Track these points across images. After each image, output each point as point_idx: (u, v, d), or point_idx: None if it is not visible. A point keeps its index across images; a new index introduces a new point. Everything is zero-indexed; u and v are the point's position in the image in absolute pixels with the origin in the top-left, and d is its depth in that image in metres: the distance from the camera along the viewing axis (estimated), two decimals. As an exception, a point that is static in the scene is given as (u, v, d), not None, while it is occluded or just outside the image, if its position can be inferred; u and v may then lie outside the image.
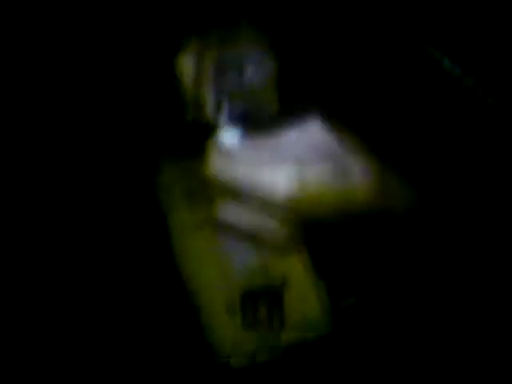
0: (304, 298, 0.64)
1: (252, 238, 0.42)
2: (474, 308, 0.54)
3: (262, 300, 0.64)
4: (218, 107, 0.48)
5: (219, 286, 0.66)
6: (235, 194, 0.39)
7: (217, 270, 0.67)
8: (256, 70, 0.52)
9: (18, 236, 0.72)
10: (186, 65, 0.50)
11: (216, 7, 0.71)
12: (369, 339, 0.61)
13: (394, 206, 0.42)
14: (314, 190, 0.38)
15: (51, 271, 0.70)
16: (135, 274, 0.68)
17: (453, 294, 0.55)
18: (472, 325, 0.54)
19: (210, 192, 0.44)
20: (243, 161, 0.39)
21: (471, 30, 0.50)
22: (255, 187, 0.38)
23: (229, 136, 0.41)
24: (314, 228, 0.40)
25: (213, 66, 0.49)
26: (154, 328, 0.66)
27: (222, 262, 0.67)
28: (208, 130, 0.47)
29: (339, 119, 0.42)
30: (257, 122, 0.54)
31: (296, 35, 0.59)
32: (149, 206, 0.71)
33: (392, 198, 0.42)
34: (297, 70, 0.56)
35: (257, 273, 0.66)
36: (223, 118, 0.48)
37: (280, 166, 0.38)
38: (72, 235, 0.70)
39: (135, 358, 0.65)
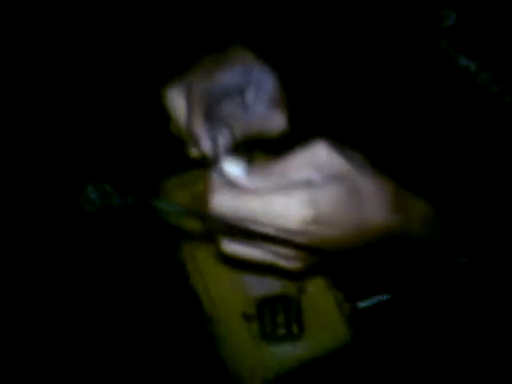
0: (322, 307, 0.62)
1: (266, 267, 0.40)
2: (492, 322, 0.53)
3: (279, 308, 0.63)
4: (215, 138, 0.45)
5: (234, 295, 0.65)
6: (244, 229, 0.36)
7: (231, 280, 0.66)
8: (257, 91, 0.48)
9: (23, 243, 0.72)
10: (175, 98, 0.46)
11: (205, 32, 0.68)
12: (389, 349, 0.59)
13: (410, 223, 0.40)
14: (328, 213, 0.36)
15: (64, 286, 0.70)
16: (149, 289, 0.68)
17: (469, 313, 0.53)
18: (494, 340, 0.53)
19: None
20: (251, 191, 0.37)
21: (488, 23, 0.46)
22: (267, 217, 0.35)
23: (232, 166, 0.38)
24: (331, 251, 0.38)
25: (204, 95, 0.46)
26: (171, 342, 0.66)
27: (236, 272, 0.66)
28: (208, 164, 0.44)
29: (347, 137, 0.39)
30: (262, 147, 0.52)
31: (297, 51, 0.56)
32: (157, 223, 0.70)
33: (407, 215, 0.39)
34: (300, 88, 0.52)
35: (272, 281, 0.65)
36: (224, 148, 0.45)
37: (291, 191, 0.35)
38: (80, 259, 0.70)
39: (150, 372, 0.65)
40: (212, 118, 0.46)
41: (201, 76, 0.46)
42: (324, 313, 0.62)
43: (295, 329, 0.62)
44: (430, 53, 0.51)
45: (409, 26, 0.52)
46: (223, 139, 0.45)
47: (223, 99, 0.47)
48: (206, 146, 0.45)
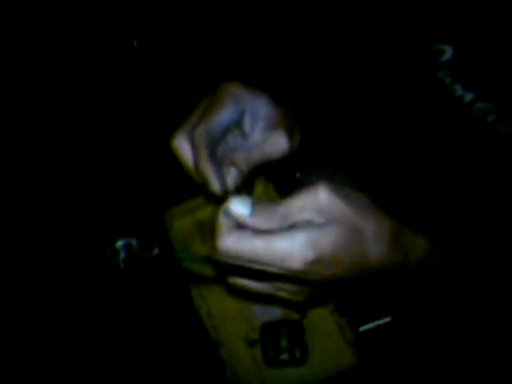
0: (324, 331, 0.63)
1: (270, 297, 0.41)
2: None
3: (281, 333, 0.63)
4: (223, 177, 0.47)
5: (237, 320, 0.66)
6: (249, 269, 0.38)
7: (234, 304, 0.67)
8: (253, 119, 0.50)
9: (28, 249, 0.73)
10: (181, 146, 0.48)
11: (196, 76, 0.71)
12: (391, 371, 0.60)
13: (408, 258, 0.41)
14: (328, 253, 0.37)
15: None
16: (154, 313, 0.68)
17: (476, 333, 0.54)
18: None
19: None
20: (255, 234, 0.39)
21: (484, 55, 0.48)
22: (270, 259, 0.37)
23: (239, 207, 0.40)
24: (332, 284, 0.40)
25: (205, 138, 0.47)
26: (174, 364, 0.66)
27: (239, 298, 0.67)
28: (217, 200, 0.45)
29: (348, 179, 0.40)
30: (267, 175, 0.53)
31: (290, 71, 0.57)
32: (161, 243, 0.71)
33: (406, 251, 0.41)
34: (298, 106, 0.54)
35: (275, 306, 0.66)
36: (232, 185, 0.46)
37: (292, 234, 0.37)
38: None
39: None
40: (216, 157, 0.48)
41: (198, 120, 0.48)
42: (326, 337, 0.63)
43: (298, 353, 0.62)
44: (427, 84, 0.52)
45: (407, 59, 0.54)
46: (231, 177, 0.47)
47: (223, 136, 0.49)
48: (214, 186, 0.46)
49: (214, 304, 0.66)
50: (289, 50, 0.62)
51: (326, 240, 0.37)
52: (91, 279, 0.68)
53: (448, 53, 0.50)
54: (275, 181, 0.73)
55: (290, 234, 0.37)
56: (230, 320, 0.66)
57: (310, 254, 0.37)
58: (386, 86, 0.57)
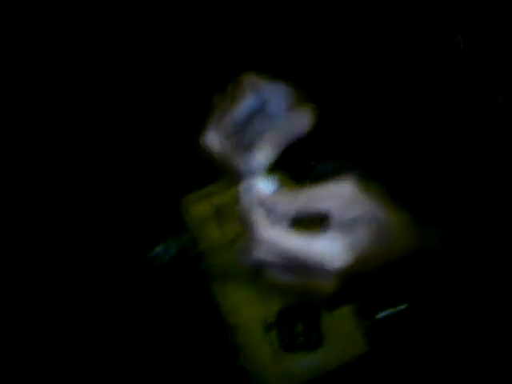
0: (341, 317, 0.64)
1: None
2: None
3: (298, 318, 0.64)
4: (251, 166, 0.47)
5: (255, 304, 0.67)
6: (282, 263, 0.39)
7: (251, 288, 0.67)
8: (276, 105, 0.51)
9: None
10: (209, 141, 0.49)
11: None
12: (407, 359, 0.61)
13: (430, 246, 0.42)
14: (364, 254, 0.40)
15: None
16: (168, 297, 0.70)
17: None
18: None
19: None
20: (293, 231, 0.40)
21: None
22: (306, 257, 0.38)
23: (264, 183, 0.41)
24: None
25: (230, 128, 0.48)
26: (190, 348, 0.67)
27: (256, 279, 0.68)
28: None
29: (363, 169, 0.41)
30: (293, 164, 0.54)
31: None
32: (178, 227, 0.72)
33: (422, 240, 0.41)
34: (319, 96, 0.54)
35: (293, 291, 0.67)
36: (261, 168, 0.47)
37: (332, 236, 0.39)
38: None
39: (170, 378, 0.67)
40: (245, 143, 0.49)
41: (222, 114, 0.49)
42: (342, 323, 0.63)
43: (314, 338, 0.63)
44: (446, 71, 0.52)
45: (427, 45, 0.54)
46: (260, 158, 0.47)
47: (249, 124, 0.50)
48: (245, 169, 0.47)
49: (231, 286, 0.67)
50: (307, 34, 0.62)
51: (362, 242, 0.38)
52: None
53: (460, 42, 0.50)
54: (291, 169, 0.73)
55: (329, 236, 0.38)
56: (248, 304, 0.66)
57: (348, 257, 0.38)
58: (405, 74, 0.57)
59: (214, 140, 0.49)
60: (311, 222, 0.41)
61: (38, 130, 0.86)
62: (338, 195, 0.39)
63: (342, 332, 0.63)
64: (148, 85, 0.87)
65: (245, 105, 0.50)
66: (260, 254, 0.39)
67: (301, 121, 0.50)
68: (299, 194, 0.40)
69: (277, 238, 0.39)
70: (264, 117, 0.52)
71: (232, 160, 0.48)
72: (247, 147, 0.49)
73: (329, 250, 0.38)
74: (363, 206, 0.39)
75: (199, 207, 0.74)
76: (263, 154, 0.48)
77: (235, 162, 0.48)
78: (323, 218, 0.40)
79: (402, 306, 0.63)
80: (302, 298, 0.61)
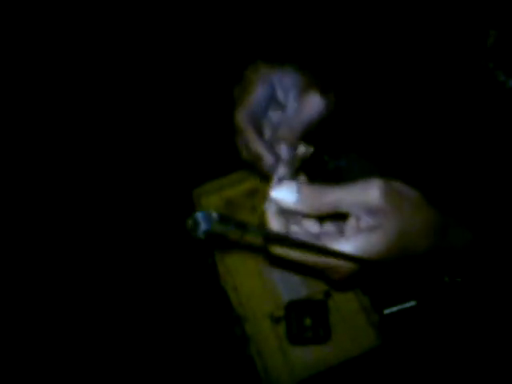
0: (348, 311, 0.64)
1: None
2: None
3: (306, 311, 0.64)
4: (276, 154, 0.47)
5: (263, 297, 0.67)
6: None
7: (260, 281, 0.68)
8: (286, 90, 0.51)
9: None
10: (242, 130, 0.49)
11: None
12: (414, 354, 0.61)
13: (448, 244, 0.41)
14: (380, 254, 0.39)
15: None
16: (178, 287, 0.70)
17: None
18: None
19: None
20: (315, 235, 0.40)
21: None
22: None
23: (285, 193, 0.39)
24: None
25: (251, 119, 0.48)
26: (198, 339, 0.68)
27: (265, 274, 0.68)
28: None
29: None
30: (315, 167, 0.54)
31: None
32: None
33: (450, 241, 0.41)
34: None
35: (300, 285, 0.67)
36: (284, 160, 0.46)
37: (349, 237, 0.38)
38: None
39: (179, 367, 0.67)
40: (264, 135, 0.49)
41: (238, 107, 0.49)
42: (350, 317, 0.64)
43: (322, 332, 0.63)
44: (471, 68, 0.52)
45: (454, 45, 0.53)
46: (282, 152, 0.47)
47: (264, 114, 0.50)
48: (269, 160, 0.47)
49: (241, 280, 0.68)
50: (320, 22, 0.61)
51: (381, 242, 0.38)
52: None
53: (492, 38, 0.49)
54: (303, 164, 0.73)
55: (345, 237, 0.38)
56: (256, 297, 0.67)
57: (364, 257, 0.38)
58: (428, 70, 0.57)
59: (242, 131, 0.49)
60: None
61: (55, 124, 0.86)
62: (366, 201, 0.38)
63: (350, 327, 0.63)
64: (161, 81, 0.87)
65: (258, 95, 0.49)
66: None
67: (311, 105, 0.49)
68: (323, 198, 0.39)
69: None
70: (277, 106, 0.52)
71: (255, 150, 0.48)
72: (267, 139, 0.49)
73: (344, 251, 0.38)
74: (388, 209, 0.38)
75: (210, 198, 0.75)
76: (283, 151, 0.48)
77: (259, 151, 0.48)
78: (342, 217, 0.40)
79: (411, 303, 0.63)
80: (317, 276, 0.61)
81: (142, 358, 0.67)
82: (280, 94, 0.52)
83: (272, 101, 0.52)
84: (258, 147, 0.48)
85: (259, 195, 0.75)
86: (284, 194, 0.39)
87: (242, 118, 0.49)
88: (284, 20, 0.64)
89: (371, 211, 0.38)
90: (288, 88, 0.51)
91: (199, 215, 0.30)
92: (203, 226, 0.30)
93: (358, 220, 0.39)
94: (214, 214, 0.30)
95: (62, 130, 0.86)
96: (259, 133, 0.49)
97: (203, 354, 0.67)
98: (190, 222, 0.30)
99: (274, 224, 0.40)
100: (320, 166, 0.73)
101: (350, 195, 0.39)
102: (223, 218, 0.30)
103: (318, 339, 0.63)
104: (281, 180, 0.44)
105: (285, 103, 0.52)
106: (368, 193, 0.38)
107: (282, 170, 0.46)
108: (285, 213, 0.40)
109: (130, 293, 0.71)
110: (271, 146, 0.48)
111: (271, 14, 0.66)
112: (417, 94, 0.59)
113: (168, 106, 0.87)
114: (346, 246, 0.38)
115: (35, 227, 0.77)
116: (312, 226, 0.42)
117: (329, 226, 0.42)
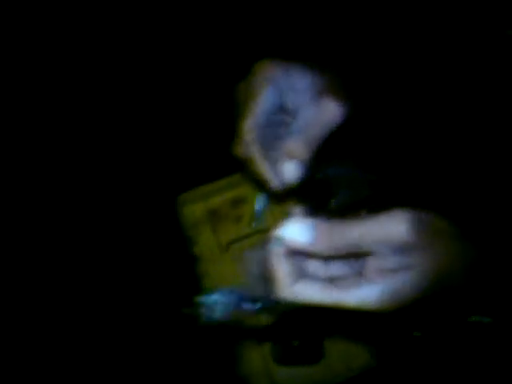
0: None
1: None
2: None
3: (293, 335, 0.60)
4: (280, 173, 0.42)
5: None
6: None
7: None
8: (296, 95, 0.45)
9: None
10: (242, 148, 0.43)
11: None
12: (414, 373, 0.57)
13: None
14: (404, 299, 0.33)
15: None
16: (161, 296, 0.65)
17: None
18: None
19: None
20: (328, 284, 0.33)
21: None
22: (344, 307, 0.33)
23: (298, 232, 0.32)
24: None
25: (254, 130, 0.43)
26: (181, 352, 0.63)
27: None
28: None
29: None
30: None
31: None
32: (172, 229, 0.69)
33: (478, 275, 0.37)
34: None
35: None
36: (292, 180, 0.42)
37: (367, 285, 0.32)
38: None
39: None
40: (270, 150, 0.43)
41: (243, 113, 0.43)
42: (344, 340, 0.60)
43: (313, 353, 0.59)
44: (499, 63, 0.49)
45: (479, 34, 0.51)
46: (290, 170, 0.42)
47: (271, 123, 0.44)
48: (274, 183, 0.43)
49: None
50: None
51: (415, 284, 0.32)
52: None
53: None
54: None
55: (366, 283, 0.32)
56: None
57: (385, 303, 0.32)
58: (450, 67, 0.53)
59: (248, 147, 0.43)
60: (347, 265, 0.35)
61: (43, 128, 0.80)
62: (394, 237, 0.31)
63: (344, 347, 0.59)
64: (152, 83, 0.83)
65: (264, 102, 0.43)
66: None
67: (328, 112, 0.42)
68: (343, 236, 0.32)
69: (304, 294, 0.33)
70: (286, 114, 0.45)
71: (259, 169, 0.43)
72: (273, 155, 0.43)
73: (364, 298, 0.32)
74: (419, 251, 0.32)
75: (194, 207, 0.71)
76: (291, 169, 0.42)
77: (262, 172, 0.43)
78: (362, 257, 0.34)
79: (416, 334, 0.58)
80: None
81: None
82: (290, 99, 0.45)
83: (280, 107, 0.45)
84: (264, 170, 0.42)
85: (245, 205, 0.70)
86: (297, 232, 0.33)
87: (248, 129, 0.43)
88: (294, 12, 0.59)
89: (399, 249, 0.32)
90: (300, 92, 0.45)
91: (210, 299, 0.23)
92: (217, 314, 0.24)
93: (382, 259, 0.33)
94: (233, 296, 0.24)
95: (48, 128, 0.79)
96: (266, 148, 0.43)
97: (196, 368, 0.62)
98: (197, 307, 0.24)
99: (281, 269, 0.34)
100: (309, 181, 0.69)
101: (372, 231, 0.32)
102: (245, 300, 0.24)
103: (309, 359, 0.59)
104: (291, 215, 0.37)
105: (296, 110, 0.45)
106: (394, 228, 0.32)
107: (295, 209, 0.40)
108: (295, 255, 0.34)
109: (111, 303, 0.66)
110: (276, 164, 0.43)
111: (280, 3, 0.61)
112: (426, 95, 0.55)
113: (162, 104, 0.81)
114: (370, 290, 0.32)
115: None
116: (319, 269, 0.36)
117: (341, 267, 0.36)
